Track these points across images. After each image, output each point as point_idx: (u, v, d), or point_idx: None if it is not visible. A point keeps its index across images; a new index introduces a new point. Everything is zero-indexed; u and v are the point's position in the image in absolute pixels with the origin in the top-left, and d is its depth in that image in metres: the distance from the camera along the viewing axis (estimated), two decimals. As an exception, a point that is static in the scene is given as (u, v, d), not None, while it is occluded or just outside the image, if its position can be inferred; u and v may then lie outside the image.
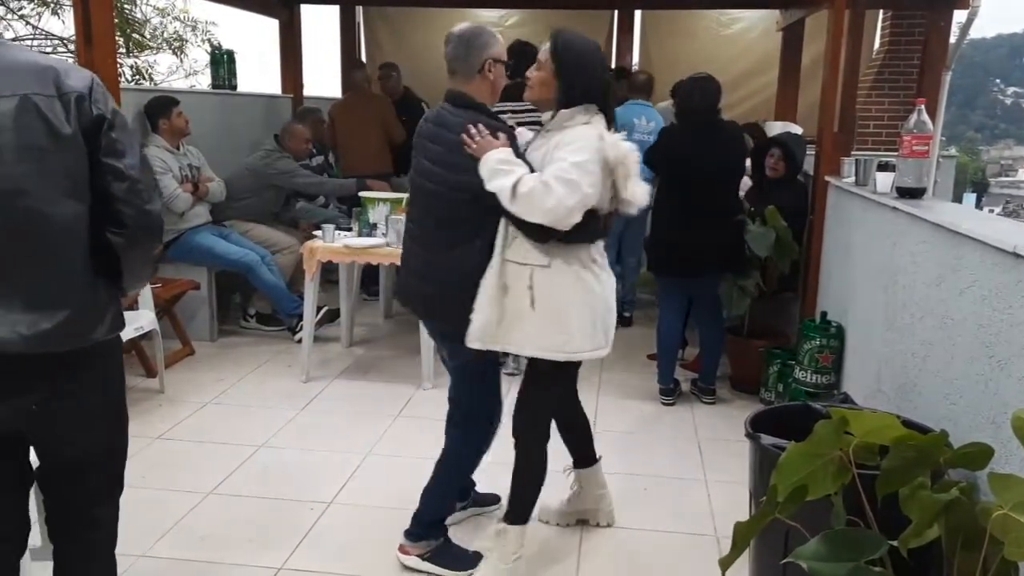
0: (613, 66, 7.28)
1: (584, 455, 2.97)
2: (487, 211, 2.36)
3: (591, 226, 2.36)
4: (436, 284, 2.50)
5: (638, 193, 2.39)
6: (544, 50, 2.42)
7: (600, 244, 2.49)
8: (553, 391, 2.64)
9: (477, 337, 2.42)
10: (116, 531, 2.08)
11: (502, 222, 2.40)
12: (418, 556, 2.69)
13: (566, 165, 2.25)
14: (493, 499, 3.08)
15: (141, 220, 1.77)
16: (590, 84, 2.39)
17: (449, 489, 2.76)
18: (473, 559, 2.70)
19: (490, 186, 2.30)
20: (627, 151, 2.35)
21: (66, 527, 1.98)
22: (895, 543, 1.64)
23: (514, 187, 2.25)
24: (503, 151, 2.33)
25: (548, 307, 2.38)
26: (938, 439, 1.76)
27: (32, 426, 1.80)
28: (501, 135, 2.37)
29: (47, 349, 1.69)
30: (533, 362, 2.53)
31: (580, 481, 2.96)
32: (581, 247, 2.41)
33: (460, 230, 2.44)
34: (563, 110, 2.38)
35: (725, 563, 1.77)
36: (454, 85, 2.49)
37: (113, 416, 1.97)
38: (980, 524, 1.53)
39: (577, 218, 2.27)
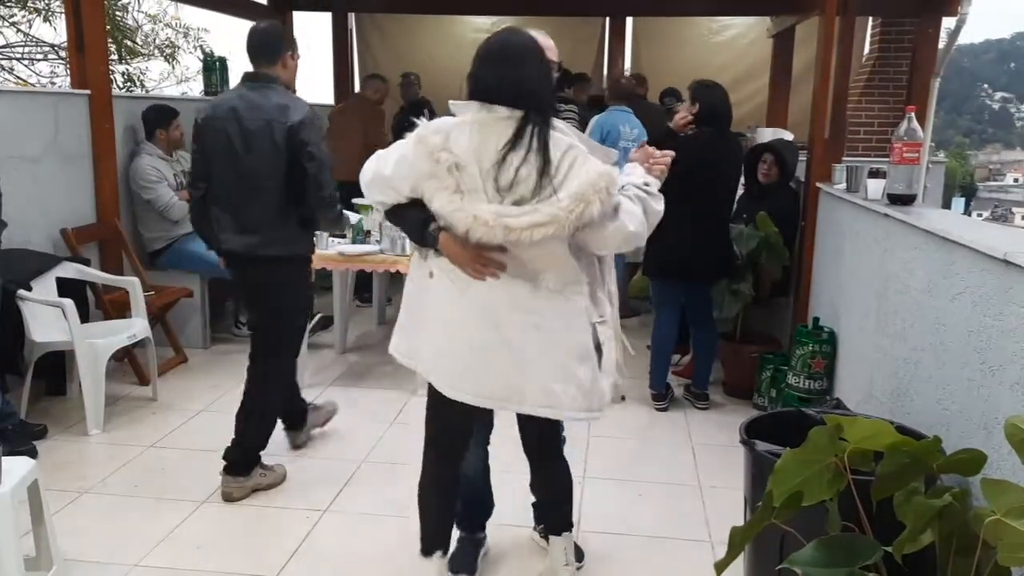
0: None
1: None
2: None
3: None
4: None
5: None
6: None
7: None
8: None
9: None
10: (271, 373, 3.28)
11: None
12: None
13: None
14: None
15: (318, 199, 3.04)
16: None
17: None
18: None
19: None
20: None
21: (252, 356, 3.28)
22: (890, 549, 1.65)
23: None
24: None
25: None
26: (931, 445, 1.77)
27: (249, 294, 3.28)
28: None
29: (249, 253, 3.08)
30: None
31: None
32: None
33: None
34: None
35: (720, 566, 1.78)
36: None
37: (282, 297, 3.18)
38: (973, 530, 1.54)
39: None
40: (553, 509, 2.54)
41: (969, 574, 1.57)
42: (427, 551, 2.40)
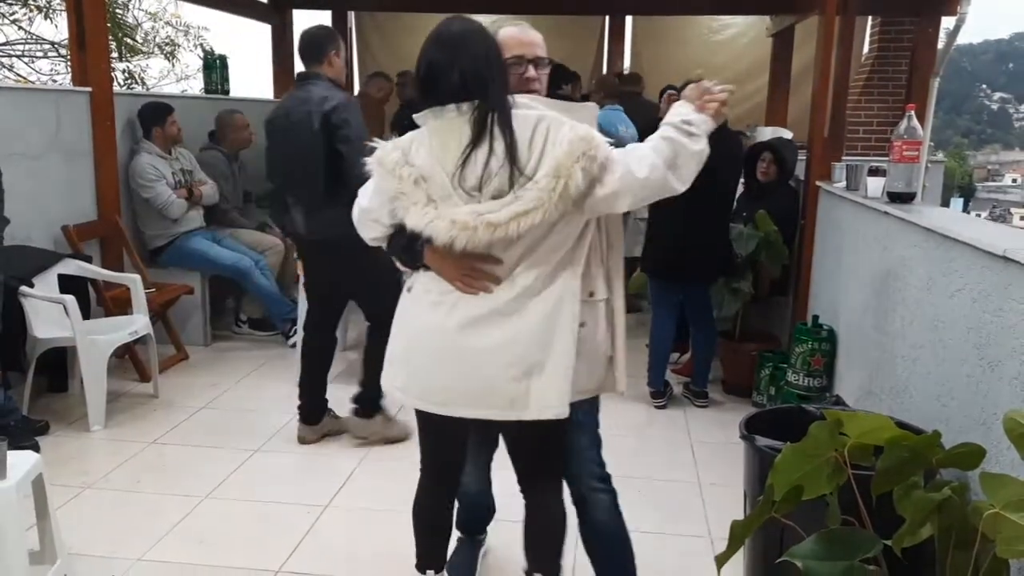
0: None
1: None
2: None
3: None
4: None
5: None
6: None
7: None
8: None
9: None
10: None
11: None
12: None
13: None
14: None
15: (352, 178, 2.77)
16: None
17: None
18: None
19: None
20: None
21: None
22: (889, 542, 1.67)
23: None
24: None
25: None
26: (931, 439, 1.78)
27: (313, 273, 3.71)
28: None
29: (310, 236, 3.46)
30: None
31: None
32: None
33: None
34: None
35: (721, 560, 1.79)
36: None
37: (357, 274, 3.43)
38: (972, 523, 1.55)
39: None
40: (530, 546, 2.22)
41: (968, 567, 1.59)
42: (421, 568, 2.31)
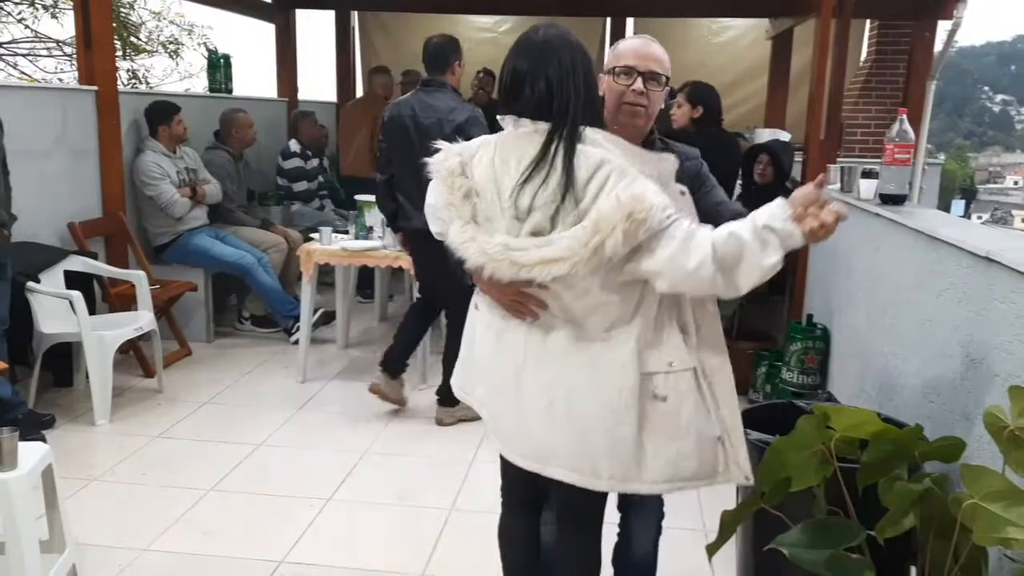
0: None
1: None
2: None
3: None
4: None
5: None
6: None
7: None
8: None
9: None
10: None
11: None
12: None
13: None
14: None
15: None
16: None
17: None
18: None
19: None
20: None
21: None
22: (873, 532, 1.73)
23: None
24: None
25: None
26: (914, 433, 1.84)
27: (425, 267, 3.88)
28: None
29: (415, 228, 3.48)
30: None
31: None
32: None
33: None
34: None
35: (712, 549, 1.85)
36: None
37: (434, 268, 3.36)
38: (952, 513, 1.61)
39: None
40: None
41: (947, 555, 1.65)
42: None
